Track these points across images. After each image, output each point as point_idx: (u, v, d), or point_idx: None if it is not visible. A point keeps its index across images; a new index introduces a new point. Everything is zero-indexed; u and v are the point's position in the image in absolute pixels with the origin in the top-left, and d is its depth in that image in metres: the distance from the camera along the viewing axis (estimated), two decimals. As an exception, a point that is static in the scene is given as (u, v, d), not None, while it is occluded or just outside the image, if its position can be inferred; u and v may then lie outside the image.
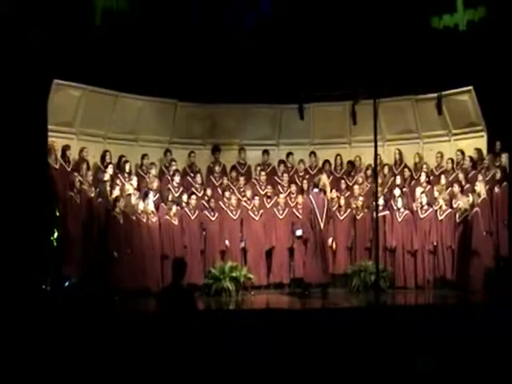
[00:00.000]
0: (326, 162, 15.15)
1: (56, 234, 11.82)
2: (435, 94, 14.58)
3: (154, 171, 14.00)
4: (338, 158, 15.24)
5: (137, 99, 14.52)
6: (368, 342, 9.27)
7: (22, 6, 10.62)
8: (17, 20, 10.57)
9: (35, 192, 10.77)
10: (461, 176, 13.89)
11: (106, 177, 13.10)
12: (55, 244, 11.78)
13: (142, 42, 13.93)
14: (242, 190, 14.42)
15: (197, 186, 14.29)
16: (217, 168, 14.93)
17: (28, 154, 10.72)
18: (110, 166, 13.42)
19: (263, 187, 14.56)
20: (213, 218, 13.73)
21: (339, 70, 14.23)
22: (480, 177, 13.45)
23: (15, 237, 10.35)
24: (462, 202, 13.29)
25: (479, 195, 13.15)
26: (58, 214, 12.08)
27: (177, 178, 14.09)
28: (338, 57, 14.39)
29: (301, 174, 15.03)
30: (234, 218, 13.88)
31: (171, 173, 14.30)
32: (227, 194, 14.06)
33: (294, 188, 14.46)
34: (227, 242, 13.74)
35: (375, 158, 12.29)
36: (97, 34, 13.42)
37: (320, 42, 14.50)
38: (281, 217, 14.12)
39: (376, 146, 12.25)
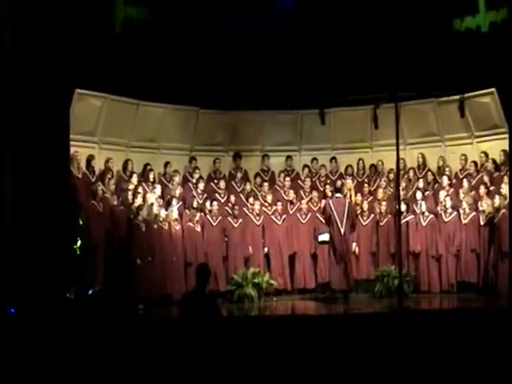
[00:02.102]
0: (349, 166, 15.16)
1: (79, 243, 11.94)
2: (457, 97, 14.51)
3: (177, 179, 14.08)
4: (361, 162, 15.24)
5: (158, 107, 14.60)
6: (391, 347, 9.24)
7: (42, 16, 10.74)
8: (38, 30, 10.70)
9: (58, 201, 10.86)
10: (486, 178, 13.82)
11: (130, 186, 13.20)
12: (79, 252, 11.90)
13: (163, 50, 14.01)
14: (264, 195, 14.45)
15: (220, 191, 14.35)
16: (238, 174, 14.98)
17: (51, 163, 10.83)
18: (135, 175, 13.51)
19: (287, 193, 14.59)
20: (236, 225, 13.77)
21: (360, 74, 14.21)
22: (506, 179, 13.36)
23: (39, 245, 10.46)
24: (487, 205, 13.22)
25: (505, 197, 13.06)
26: (81, 222, 12.20)
27: (201, 185, 14.16)
28: (359, 61, 14.38)
29: (322, 180, 15.05)
30: (258, 223, 13.91)
31: (194, 180, 14.37)
32: (251, 199, 14.10)
33: (315, 193, 14.47)
34: (250, 248, 13.77)
35: (397, 162, 12.29)
36: (118, 42, 13.51)
37: (341, 47, 14.48)
38: (303, 221, 14.14)
39: (398, 150, 12.27)
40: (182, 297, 8.55)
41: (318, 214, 14.05)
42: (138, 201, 12.89)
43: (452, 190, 14.16)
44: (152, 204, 13.00)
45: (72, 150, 12.22)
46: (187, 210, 13.57)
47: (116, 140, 14.21)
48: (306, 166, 15.25)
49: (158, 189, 13.57)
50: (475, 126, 14.67)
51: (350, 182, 14.54)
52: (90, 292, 11.95)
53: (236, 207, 13.85)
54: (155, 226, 12.90)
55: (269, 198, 14.27)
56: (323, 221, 13.74)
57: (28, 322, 9.70)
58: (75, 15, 11.61)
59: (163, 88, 13.98)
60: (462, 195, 13.82)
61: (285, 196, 14.55)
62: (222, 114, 15.28)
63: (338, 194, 13.66)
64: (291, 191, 14.47)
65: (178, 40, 14.25)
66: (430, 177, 14.61)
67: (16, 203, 10.54)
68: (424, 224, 13.85)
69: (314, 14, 14.88)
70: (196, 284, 7.87)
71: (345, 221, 13.36)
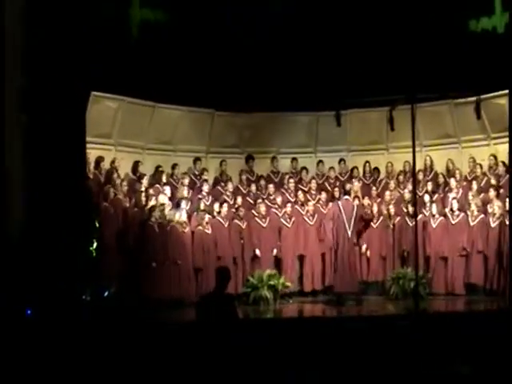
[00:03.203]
0: (355, 168, 15.10)
1: (95, 245, 11.95)
2: (474, 98, 14.42)
3: (186, 181, 14.06)
4: (367, 164, 15.19)
5: (174, 110, 14.62)
6: (408, 350, 9.17)
7: (57, 18, 10.75)
8: (53, 32, 10.71)
9: (75, 203, 10.86)
10: (493, 181, 13.75)
11: (141, 187, 13.21)
12: (94, 254, 11.91)
13: (179, 52, 14.00)
14: (273, 198, 14.40)
15: (228, 193, 14.30)
16: (247, 176, 14.84)
17: (67, 165, 10.84)
18: (146, 176, 13.52)
19: (292, 195, 14.53)
20: (243, 227, 13.73)
21: (377, 75, 14.13)
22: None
23: (55, 247, 10.47)
24: (498, 207, 13.14)
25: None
26: (97, 224, 12.21)
27: (205, 187, 14.11)
28: (375, 62, 14.29)
29: (331, 182, 14.99)
30: (264, 225, 13.86)
31: (201, 182, 14.35)
32: (259, 201, 14.06)
33: (324, 195, 14.40)
34: (257, 250, 13.73)
35: (413, 164, 12.22)
36: (134, 45, 13.51)
37: (358, 48, 14.40)
38: (311, 223, 14.07)
39: (414, 152, 12.19)
40: (200, 298, 8.54)
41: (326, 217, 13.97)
42: (151, 202, 12.90)
43: (461, 192, 14.11)
44: (164, 205, 13.00)
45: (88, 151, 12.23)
46: (195, 213, 13.54)
47: (132, 142, 14.24)
48: (304, 168, 15.12)
49: (168, 190, 13.56)
50: (491, 127, 14.57)
51: (356, 185, 14.48)
52: (106, 294, 11.95)
53: (242, 209, 13.79)
54: (168, 228, 12.89)
55: (278, 200, 14.22)
56: (330, 223, 13.64)
57: (44, 323, 9.71)
58: (91, 18, 11.62)
59: (179, 90, 13.96)
60: (470, 197, 13.74)
61: (290, 198, 14.49)
62: (237, 117, 15.28)
63: (346, 196, 13.60)
64: (300, 193, 14.40)
65: (194, 42, 14.23)
66: (440, 179, 14.56)
67: (33, 206, 10.55)
68: (434, 226, 13.80)
69: (331, 14, 14.80)
70: (216, 286, 7.84)
71: (352, 223, 13.28)
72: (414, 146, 12.23)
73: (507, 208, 12.98)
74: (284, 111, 15.21)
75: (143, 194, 13.09)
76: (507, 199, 13.04)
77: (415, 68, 13.68)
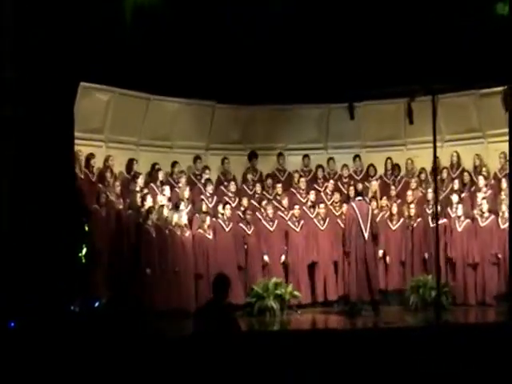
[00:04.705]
0: (371, 166, 15.11)
1: (85, 251, 11.99)
2: (501, 88, 14.39)
3: (184, 180, 14.07)
4: (389, 161, 15.18)
5: (171, 102, 14.66)
6: (428, 365, 9.19)
7: (44, 2, 10.77)
8: (40, 18, 10.74)
9: (62, 205, 10.89)
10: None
11: (137, 187, 13.23)
12: (84, 261, 11.95)
13: (176, 40, 14.03)
14: (279, 199, 14.41)
15: (230, 194, 14.32)
16: (249, 176, 14.87)
17: (54, 163, 10.85)
18: (141, 175, 13.54)
19: (303, 195, 14.55)
20: (249, 232, 13.76)
21: (394, 63, 14.13)
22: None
23: (41, 254, 10.49)
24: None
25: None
26: (86, 228, 12.24)
27: (209, 188, 14.13)
28: (392, 49, 14.29)
29: (345, 181, 15.00)
30: (271, 229, 13.89)
31: (203, 181, 14.37)
32: (263, 203, 14.07)
33: (337, 196, 14.42)
34: (266, 256, 13.76)
35: (434, 161, 12.23)
36: (127, 31, 13.54)
37: (371, 33, 14.40)
38: (322, 228, 14.09)
39: (435, 148, 12.20)
40: (197, 309, 8.55)
41: (338, 220, 13.99)
42: (148, 203, 12.91)
43: (490, 191, 14.08)
44: (162, 206, 13.03)
45: (76, 148, 12.25)
46: (197, 215, 13.57)
47: (125, 138, 14.28)
48: (320, 166, 15.17)
49: (167, 190, 13.59)
50: (521, 120, 14.55)
51: (374, 184, 14.47)
52: (97, 304, 11.98)
53: (249, 212, 13.82)
54: (167, 232, 12.93)
55: (284, 201, 14.23)
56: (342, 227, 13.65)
57: (29, 336, 9.73)
58: (81, 2, 11.64)
59: (176, 81, 14.00)
60: (503, 197, 13.68)
61: (301, 199, 14.50)
62: (240, 109, 15.30)
63: (359, 197, 13.59)
64: (311, 193, 14.41)
65: (192, 28, 14.26)
66: (466, 177, 14.54)
67: (16, 208, 10.57)
68: (459, 229, 13.79)
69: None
70: (213, 296, 7.86)
71: (368, 226, 13.29)
72: (434, 142, 12.23)
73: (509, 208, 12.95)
74: (292, 103, 15.23)
75: (138, 195, 13.10)
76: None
77: (436, 55, 13.69)
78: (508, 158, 12.90)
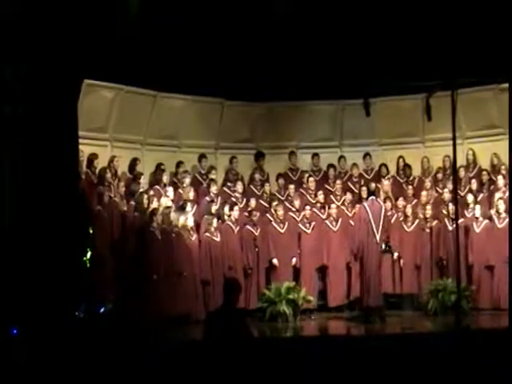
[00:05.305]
0: (383, 165, 15.07)
1: (89, 254, 11.99)
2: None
3: (188, 180, 14.04)
4: (401, 160, 15.15)
5: (178, 99, 14.66)
6: (449, 373, 9.16)
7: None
8: (40, 11, 10.71)
9: (65, 207, 10.87)
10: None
11: (140, 188, 13.22)
12: (88, 265, 11.95)
13: (184, 33, 13.99)
14: (291, 199, 14.39)
15: (237, 195, 14.31)
16: (257, 176, 14.85)
17: (56, 164, 10.84)
18: (143, 176, 13.53)
19: (313, 196, 14.52)
20: (256, 234, 13.72)
21: (410, 57, 14.06)
22: None
23: (43, 258, 10.48)
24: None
25: None
26: (91, 231, 12.25)
27: (213, 189, 14.10)
28: (407, 41, 14.20)
29: (355, 180, 14.95)
30: (281, 231, 13.86)
31: (208, 182, 14.37)
32: (274, 204, 14.03)
33: (348, 196, 14.37)
34: (275, 259, 13.73)
35: (454, 159, 12.15)
36: (132, 26, 13.51)
37: (386, 25, 14.31)
38: (334, 229, 14.05)
39: (455, 145, 12.12)
40: (207, 315, 8.54)
41: (350, 221, 13.95)
42: (153, 205, 12.91)
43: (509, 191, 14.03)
44: (169, 208, 13.01)
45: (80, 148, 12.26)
46: (206, 217, 13.53)
47: (131, 137, 14.29)
48: (331, 165, 15.14)
49: (171, 192, 13.57)
50: (544, 116, 14.47)
51: (387, 184, 14.43)
52: (102, 310, 11.99)
53: (256, 213, 13.80)
54: (173, 235, 12.92)
55: (296, 202, 14.20)
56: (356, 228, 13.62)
57: (32, 343, 9.74)
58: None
59: (183, 77, 13.96)
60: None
61: (311, 199, 14.47)
62: (250, 107, 15.30)
63: (372, 197, 13.55)
64: (321, 194, 14.38)
65: (200, 22, 14.21)
66: (484, 176, 14.49)
67: (17, 210, 10.57)
68: (477, 230, 13.75)
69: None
70: (224, 301, 7.84)
71: (380, 228, 13.24)
72: (454, 139, 12.15)
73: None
74: (304, 100, 15.20)
75: (145, 196, 13.10)
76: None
77: (455, 48, 13.61)
78: (508, 158, 12.86)
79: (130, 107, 13.97)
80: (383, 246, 13.57)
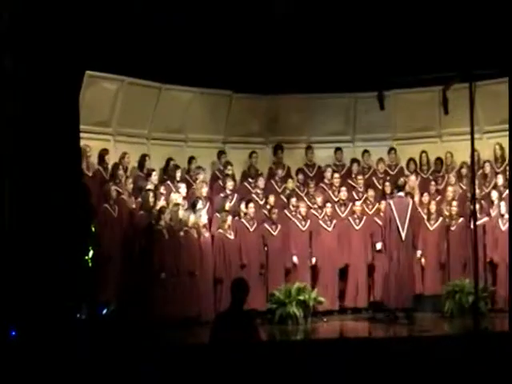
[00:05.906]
0: (411, 160, 15.05)
1: (92, 253, 12.01)
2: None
3: (201, 176, 14.04)
4: (424, 155, 15.10)
5: (184, 91, 14.66)
6: (465, 377, 9.12)
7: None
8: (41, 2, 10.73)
9: (67, 205, 10.88)
10: None
11: (149, 185, 13.21)
12: (91, 265, 11.96)
13: (190, 22, 13.97)
14: (312, 196, 14.37)
15: (258, 191, 14.29)
16: (280, 171, 14.88)
17: (58, 160, 10.85)
18: (154, 172, 13.53)
19: (336, 192, 14.49)
20: (274, 233, 13.73)
21: (426, 47, 14.02)
22: None
23: (44, 257, 10.50)
24: None
25: None
26: (93, 229, 12.27)
27: (229, 185, 14.09)
28: (423, 31, 14.17)
29: (380, 176, 14.93)
30: (303, 229, 13.84)
31: (224, 178, 14.37)
32: (293, 200, 13.99)
33: (371, 193, 14.34)
34: (295, 258, 13.67)
35: (472, 155, 12.12)
36: (137, 14, 13.49)
37: (401, 14, 14.27)
38: (357, 227, 14.01)
39: (473, 140, 12.08)
40: (215, 317, 8.54)
41: (375, 218, 13.93)
42: (161, 203, 12.90)
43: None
44: (177, 205, 13.00)
45: (82, 143, 12.26)
46: (217, 214, 13.52)
47: (134, 131, 14.31)
48: (355, 160, 15.12)
49: (183, 188, 13.57)
50: None
51: (413, 180, 14.41)
52: (105, 312, 12.01)
53: (275, 210, 13.75)
54: (181, 233, 12.89)
55: (318, 199, 14.17)
56: (380, 225, 13.62)
57: (32, 346, 9.75)
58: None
59: (189, 68, 13.97)
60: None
61: (333, 196, 14.44)
62: (259, 99, 15.27)
63: (400, 193, 13.53)
64: (343, 190, 14.35)
65: (207, 11, 14.20)
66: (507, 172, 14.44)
67: (17, 208, 10.58)
68: (503, 228, 13.68)
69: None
70: (231, 302, 7.84)
71: (407, 225, 13.21)
72: (472, 133, 12.11)
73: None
74: (316, 92, 15.16)
75: (151, 194, 13.09)
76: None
77: (473, 38, 13.56)
78: (508, 156, 12.84)
79: (133, 100, 14.00)
80: (378, 247, 13.60)
